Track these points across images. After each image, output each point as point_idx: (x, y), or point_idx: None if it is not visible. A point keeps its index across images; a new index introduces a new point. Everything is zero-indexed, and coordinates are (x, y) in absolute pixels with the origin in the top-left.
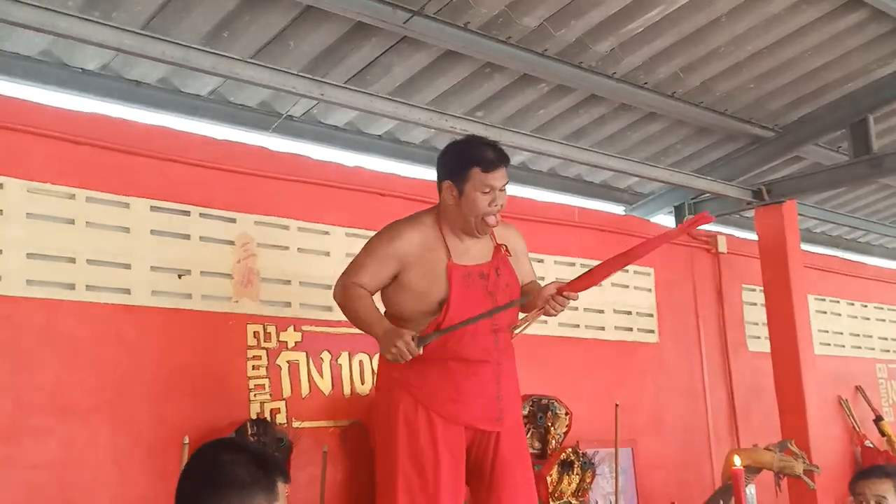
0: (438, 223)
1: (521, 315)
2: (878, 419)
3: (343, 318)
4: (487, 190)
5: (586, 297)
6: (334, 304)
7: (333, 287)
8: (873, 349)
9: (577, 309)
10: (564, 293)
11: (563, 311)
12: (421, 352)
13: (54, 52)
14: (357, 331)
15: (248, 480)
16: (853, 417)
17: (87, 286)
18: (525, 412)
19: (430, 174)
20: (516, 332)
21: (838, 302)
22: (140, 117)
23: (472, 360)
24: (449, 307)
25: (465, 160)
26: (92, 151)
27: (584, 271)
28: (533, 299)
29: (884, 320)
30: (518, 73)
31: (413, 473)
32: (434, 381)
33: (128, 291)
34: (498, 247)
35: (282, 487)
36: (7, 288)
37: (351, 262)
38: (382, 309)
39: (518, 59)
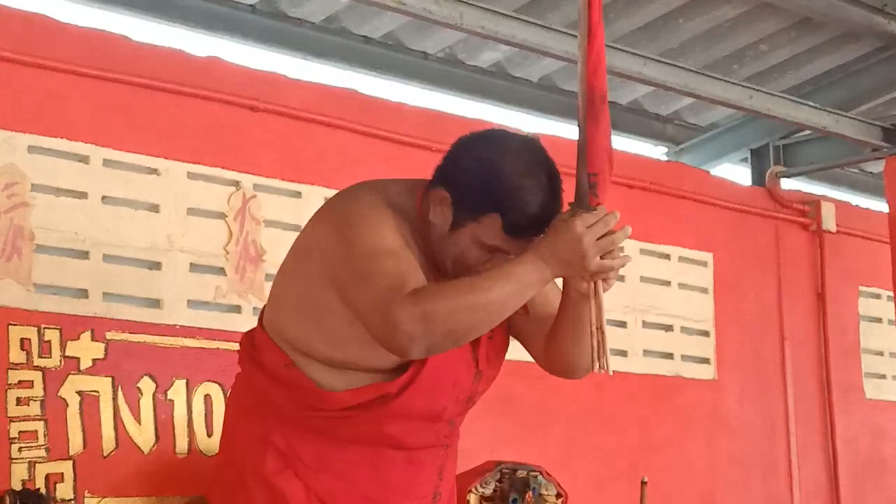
0: (419, 220)
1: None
2: None
3: (179, 319)
4: (491, 249)
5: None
6: (167, 292)
7: (387, 325)
8: None
9: None
10: (593, 220)
11: (624, 258)
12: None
13: None
14: (205, 342)
15: None
16: None
17: None
18: (488, 490)
19: (352, 77)
20: (603, 369)
21: None
22: None
23: (417, 448)
24: (419, 374)
25: (492, 196)
26: None
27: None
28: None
29: None
30: None
31: None
32: (347, 468)
33: None
34: None
35: None
36: None
37: (372, 278)
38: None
39: None
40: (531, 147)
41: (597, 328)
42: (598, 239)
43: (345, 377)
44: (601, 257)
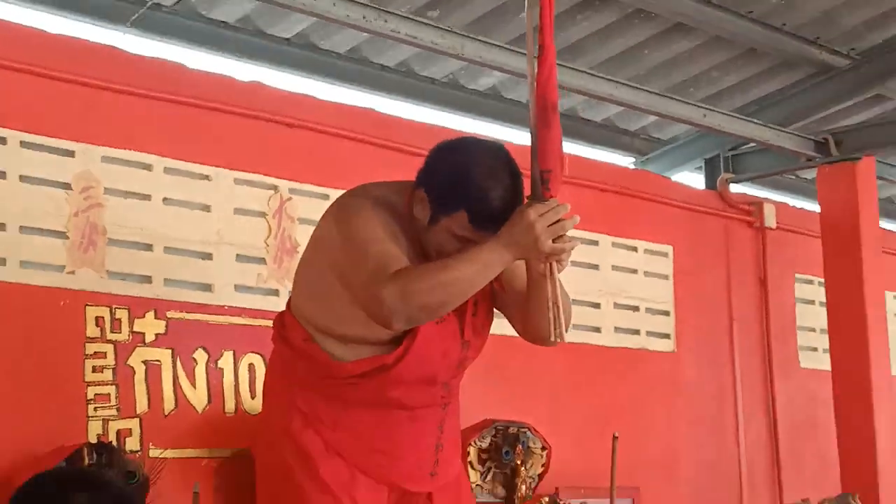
0: (409, 217)
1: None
2: None
3: (227, 300)
4: (462, 240)
5: (576, 285)
6: (217, 279)
7: (374, 302)
8: None
9: None
10: (545, 209)
11: (573, 242)
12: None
13: None
14: (248, 319)
15: None
16: None
17: None
18: (485, 444)
19: (363, 97)
20: (558, 339)
21: None
22: None
23: (418, 407)
24: (411, 347)
25: (458, 191)
26: None
27: (597, 267)
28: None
29: None
30: None
31: None
32: (358, 426)
33: None
34: None
35: None
36: None
37: (363, 262)
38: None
39: None
40: (496, 153)
41: (552, 303)
42: (550, 225)
43: (352, 350)
44: (553, 241)
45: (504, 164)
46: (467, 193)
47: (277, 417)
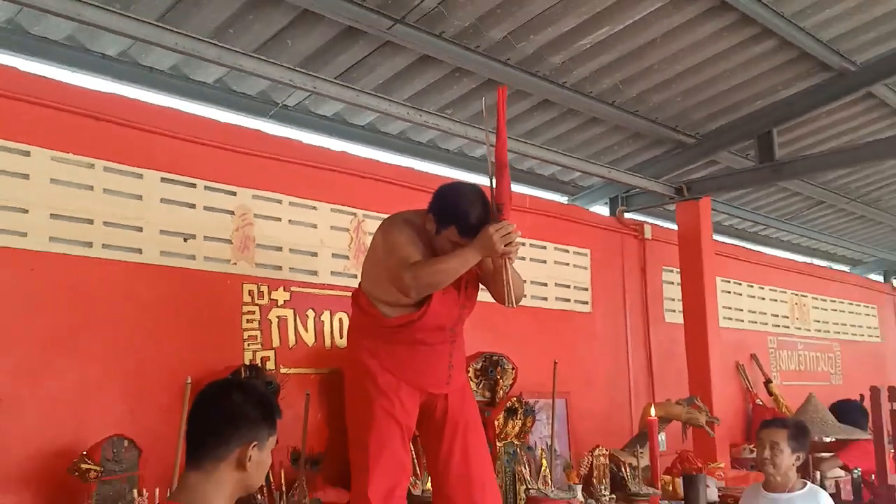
0: (425, 234)
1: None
2: (767, 382)
3: (326, 280)
4: (454, 244)
5: (533, 272)
6: (320, 268)
7: (399, 281)
8: (766, 324)
9: (526, 281)
10: (499, 227)
11: (517, 245)
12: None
13: (78, 37)
14: (338, 292)
15: (256, 417)
16: (747, 380)
17: (103, 245)
18: (478, 366)
19: (406, 162)
20: (511, 304)
21: (740, 284)
22: (153, 99)
23: (434, 343)
24: (428, 309)
25: (449, 215)
26: (110, 127)
27: (545, 262)
28: (491, 261)
29: (776, 300)
30: (484, 77)
31: (378, 417)
32: (398, 355)
33: (139, 251)
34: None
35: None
36: (31, 243)
37: (395, 259)
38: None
39: (484, 66)
40: (472, 190)
41: (506, 283)
42: (502, 237)
43: (394, 310)
44: (505, 246)
45: (477, 198)
46: (456, 215)
47: (354, 351)
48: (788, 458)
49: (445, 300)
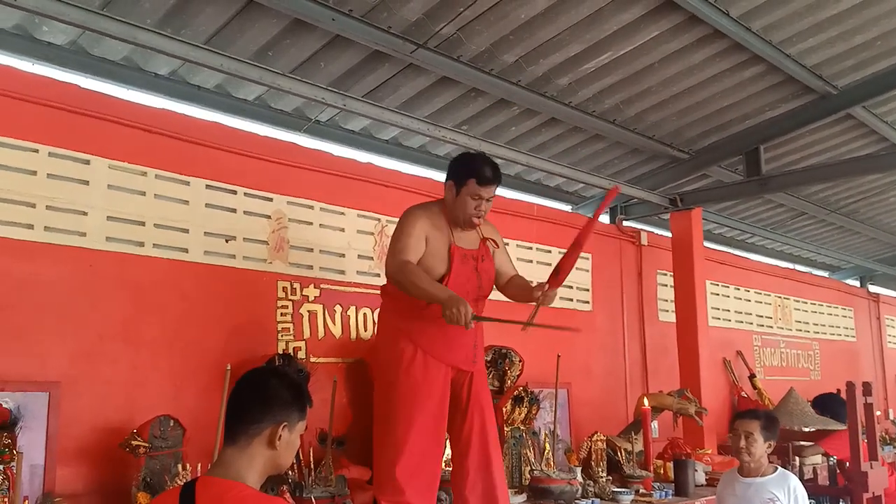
0: (444, 212)
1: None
2: (751, 376)
3: (352, 279)
4: (476, 198)
5: (539, 274)
6: (347, 267)
7: (385, 264)
8: (751, 324)
9: (532, 282)
10: (550, 290)
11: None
12: (473, 326)
13: (134, 58)
14: (363, 290)
15: (288, 400)
16: (734, 374)
17: (153, 244)
18: (489, 358)
19: (425, 173)
20: (529, 324)
21: (728, 287)
22: (199, 115)
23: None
24: (448, 281)
25: (467, 170)
26: (161, 139)
27: (551, 265)
28: (534, 296)
29: (760, 302)
30: (496, 97)
31: (410, 395)
32: (432, 333)
33: (186, 250)
34: (484, 240)
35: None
36: (90, 242)
37: (393, 245)
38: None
39: (497, 86)
40: (481, 153)
41: (533, 315)
42: (464, 315)
43: None
44: (457, 320)
45: (486, 157)
46: (473, 168)
47: (387, 333)
48: (762, 447)
49: (463, 269)
